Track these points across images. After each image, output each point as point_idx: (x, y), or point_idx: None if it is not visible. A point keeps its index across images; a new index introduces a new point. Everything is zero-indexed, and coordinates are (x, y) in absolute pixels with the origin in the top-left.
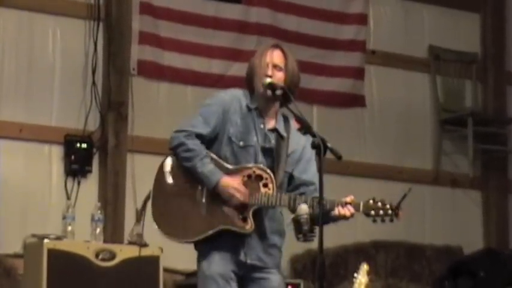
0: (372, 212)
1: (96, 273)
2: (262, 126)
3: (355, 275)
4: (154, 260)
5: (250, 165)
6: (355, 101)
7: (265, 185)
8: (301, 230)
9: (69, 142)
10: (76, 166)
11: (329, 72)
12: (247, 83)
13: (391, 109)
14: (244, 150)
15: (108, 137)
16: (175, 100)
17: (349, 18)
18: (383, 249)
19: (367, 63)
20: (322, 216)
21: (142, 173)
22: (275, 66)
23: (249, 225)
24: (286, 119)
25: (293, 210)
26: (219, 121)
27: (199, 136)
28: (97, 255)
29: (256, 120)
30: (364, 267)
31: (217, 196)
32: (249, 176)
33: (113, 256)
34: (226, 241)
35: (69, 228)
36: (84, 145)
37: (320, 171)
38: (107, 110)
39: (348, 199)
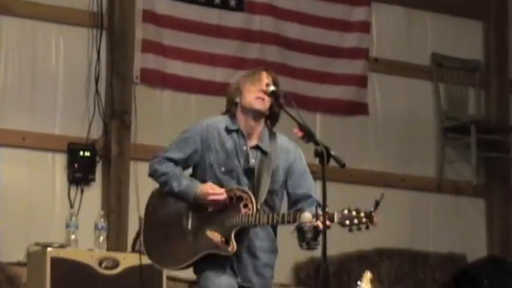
0: (347, 222)
1: (99, 282)
2: (244, 147)
3: (359, 282)
4: (157, 268)
5: (231, 187)
6: (358, 108)
7: (245, 206)
8: (305, 238)
9: (72, 150)
10: (79, 174)
11: (332, 80)
12: (230, 104)
13: (394, 117)
14: (227, 175)
15: (111, 145)
16: (178, 108)
17: (352, 26)
18: (386, 257)
19: (370, 71)
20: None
21: (145, 181)
22: (264, 91)
23: (231, 247)
24: (272, 135)
25: (292, 222)
26: (196, 149)
27: (170, 160)
28: (100, 264)
29: (238, 141)
30: (368, 275)
31: (201, 221)
32: (231, 198)
33: (116, 264)
34: (217, 263)
35: (73, 236)
36: (87, 153)
37: (323, 179)
38: (110, 118)
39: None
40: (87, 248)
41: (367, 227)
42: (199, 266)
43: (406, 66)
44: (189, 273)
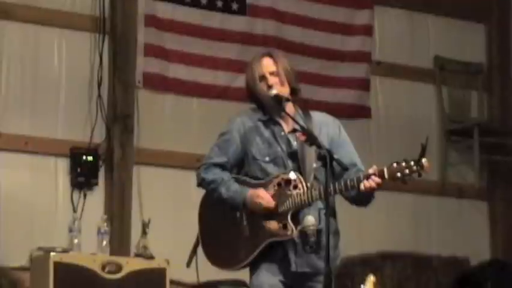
0: (398, 174)
1: (102, 286)
2: (282, 133)
3: (362, 286)
4: (160, 273)
5: (276, 173)
6: (360, 112)
7: (295, 187)
8: (308, 241)
9: (75, 155)
10: (82, 179)
11: (334, 83)
12: (251, 98)
13: (397, 120)
14: (272, 163)
15: (114, 149)
16: (181, 112)
17: (354, 29)
18: (390, 260)
19: (372, 74)
20: (356, 195)
21: (148, 186)
22: (271, 74)
23: (290, 230)
24: (306, 115)
25: (345, 190)
26: (237, 147)
27: (217, 165)
28: (103, 268)
29: (274, 129)
30: (371, 278)
31: (256, 215)
32: (279, 184)
33: (119, 268)
34: (276, 254)
35: (76, 241)
36: (90, 158)
37: (326, 182)
38: (112, 122)
39: (371, 170)
40: (90, 252)
41: (420, 175)
42: (258, 260)
43: (408, 70)
44: (192, 277)
